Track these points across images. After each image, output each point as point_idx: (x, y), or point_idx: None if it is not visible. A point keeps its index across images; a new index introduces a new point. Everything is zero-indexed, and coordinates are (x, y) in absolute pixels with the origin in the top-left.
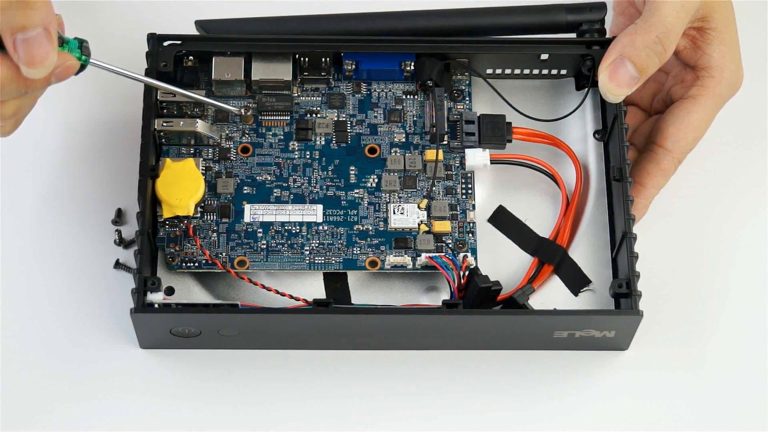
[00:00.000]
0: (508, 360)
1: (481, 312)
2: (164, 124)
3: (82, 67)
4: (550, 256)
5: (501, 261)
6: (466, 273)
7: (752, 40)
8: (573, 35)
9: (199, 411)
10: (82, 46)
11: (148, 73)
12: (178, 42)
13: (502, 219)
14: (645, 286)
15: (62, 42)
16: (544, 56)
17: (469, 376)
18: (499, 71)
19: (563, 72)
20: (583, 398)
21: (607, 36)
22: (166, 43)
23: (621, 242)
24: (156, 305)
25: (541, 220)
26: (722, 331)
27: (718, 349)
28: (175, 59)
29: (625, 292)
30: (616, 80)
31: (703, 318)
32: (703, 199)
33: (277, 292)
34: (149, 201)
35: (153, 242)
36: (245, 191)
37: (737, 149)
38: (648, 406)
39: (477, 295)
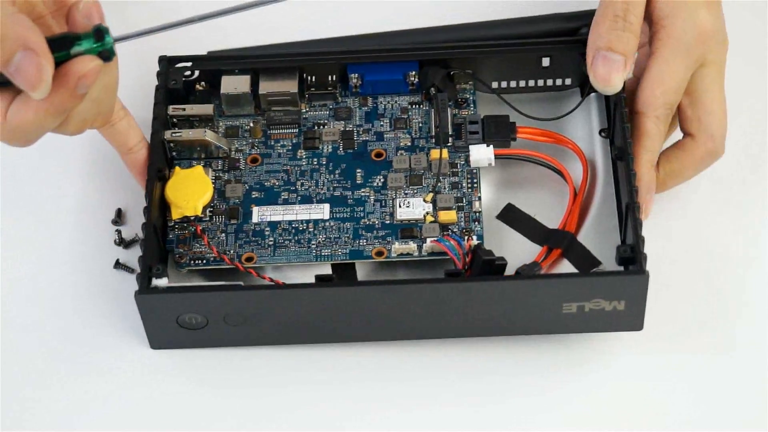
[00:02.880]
0: (515, 348)
1: (482, 279)
2: (173, 134)
3: (109, 57)
4: (559, 241)
5: (508, 250)
6: (471, 251)
7: (753, 40)
8: None
9: (207, 411)
10: (97, 35)
11: (158, 89)
12: (189, 63)
13: (511, 216)
14: (656, 277)
15: (74, 41)
16: (546, 62)
17: (476, 367)
18: (504, 84)
19: (567, 82)
20: (598, 386)
21: None
22: (177, 65)
23: (626, 213)
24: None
25: (549, 216)
26: (744, 318)
27: (741, 334)
28: (186, 84)
29: (630, 256)
30: (603, 75)
31: (721, 304)
32: (718, 181)
33: (285, 284)
34: (156, 198)
35: (159, 237)
36: (254, 196)
37: (737, 150)
38: (662, 392)
39: (482, 269)
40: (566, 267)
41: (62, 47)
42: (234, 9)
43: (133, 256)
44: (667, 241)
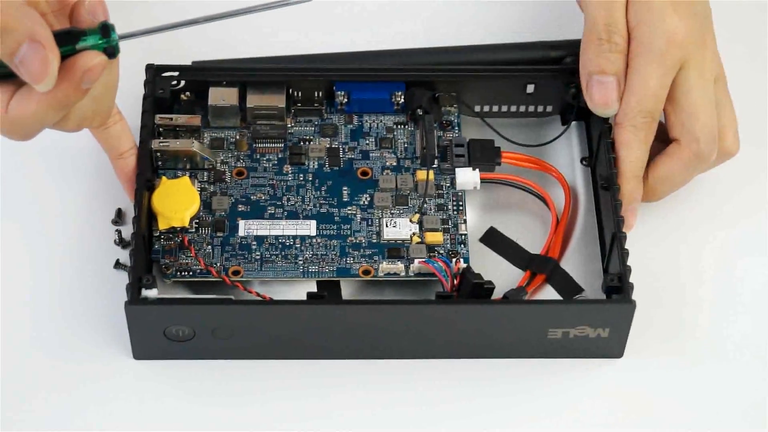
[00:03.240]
0: (500, 370)
1: (473, 302)
2: (161, 144)
3: (114, 53)
4: (542, 267)
5: (494, 274)
6: (459, 273)
7: (752, 40)
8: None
9: (189, 422)
10: (103, 31)
11: (146, 98)
12: (176, 73)
13: (494, 239)
14: (639, 301)
15: (79, 36)
16: (530, 88)
17: (461, 387)
18: (486, 108)
19: (549, 109)
20: (574, 409)
21: None
22: (164, 74)
23: (612, 243)
24: (150, 300)
25: (532, 241)
26: (716, 342)
27: (714, 361)
28: (173, 93)
29: (617, 286)
30: (599, 100)
31: (697, 329)
32: (697, 206)
33: (271, 300)
34: (145, 208)
35: (148, 248)
36: (240, 209)
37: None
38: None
39: (470, 293)
40: (547, 292)
41: (68, 42)
42: (239, 12)
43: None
44: (645, 264)
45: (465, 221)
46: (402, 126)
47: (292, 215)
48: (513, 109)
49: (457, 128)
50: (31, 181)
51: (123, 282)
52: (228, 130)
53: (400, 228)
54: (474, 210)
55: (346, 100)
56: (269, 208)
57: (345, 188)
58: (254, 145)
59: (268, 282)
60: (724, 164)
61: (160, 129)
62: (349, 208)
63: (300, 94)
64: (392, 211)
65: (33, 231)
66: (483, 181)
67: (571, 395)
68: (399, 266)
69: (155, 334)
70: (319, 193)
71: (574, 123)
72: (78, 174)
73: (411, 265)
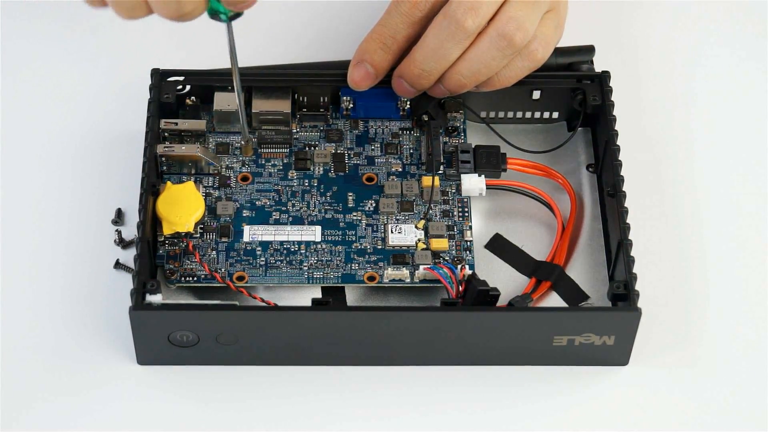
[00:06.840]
0: (505, 377)
1: (478, 309)
2: (165, 149)
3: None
4: (548, 274)
5: (499, 280)
6: (464, 280)
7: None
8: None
9: (196, 429)
10: None
11: (150, 103)
12: (181, 78)
13: (499, 246)
14: (644, 309)
15: None
16: (536, 95)
17: (466, 394)
18: (492, 114)
19: (555, 115)
20: (579, 417)
21: None
22: (169, 79)
23: (618, 251)
24: (154, 305)
25: (537, 248)
26: (721, 350)
27: (720, 369)
28: (178, 98)
29: (623, 293)
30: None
31: (703, 338)
32: (704, 213)
33: (276, 305)
34: (150, 213)
35: (152, 253)
36: (245, 214)
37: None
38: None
39: (475, 299)
40: (552, 299)
41: None
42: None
43: (131, 256)
44: (651, 271)
45: (470, 228)
46: (408, 132)
47: (297, 221)
48: (519, 115)
49: (462, 134)
50: (31, 181)
51: (124, 283)
52: (233, 135)
53: (405, 234)
54: (479, 216)
55: (351, 105)
56: (274, 213)
57: (350, 194)
58: (259, 151)
59: (273, 288)
60: (733, 170)
61: (165, 134)
62: (354, 213)
63: (305, 100)
64: (397, 217)
65: (33, 231)
66: (488, 187)
67: (575, 403)
68: (404, 272)
69: (159, 340)
70: (324, 198)
71: (580, 129)
72: (78, 174)
73: (416, 271)
